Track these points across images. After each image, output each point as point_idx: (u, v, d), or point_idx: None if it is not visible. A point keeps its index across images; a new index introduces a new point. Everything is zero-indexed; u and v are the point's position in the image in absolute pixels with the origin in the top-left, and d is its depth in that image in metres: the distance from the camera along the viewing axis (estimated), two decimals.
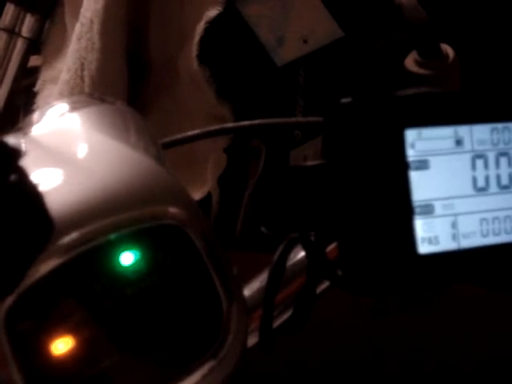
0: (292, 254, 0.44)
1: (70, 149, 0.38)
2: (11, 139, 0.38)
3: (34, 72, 0.86)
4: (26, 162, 0.33)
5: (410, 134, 0.39)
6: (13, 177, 0.32)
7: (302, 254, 0.45)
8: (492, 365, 0.78)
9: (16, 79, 0.85)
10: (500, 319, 0.76)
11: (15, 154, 0.34)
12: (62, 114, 0.41)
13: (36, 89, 0.83)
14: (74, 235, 0.34)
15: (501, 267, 0.40)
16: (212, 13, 0.66)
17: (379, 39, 0.66)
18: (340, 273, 0.39)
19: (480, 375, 0.78)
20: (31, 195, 0.33)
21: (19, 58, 0.85)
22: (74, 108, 0.41)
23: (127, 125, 0.42)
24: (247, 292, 0.44)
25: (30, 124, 0.40)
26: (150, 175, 0.37)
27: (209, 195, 0.70)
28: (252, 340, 0.43)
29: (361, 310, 0.73)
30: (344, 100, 0.38)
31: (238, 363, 0.38)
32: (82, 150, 0.38)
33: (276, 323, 0.44)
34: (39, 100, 0.82)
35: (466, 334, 0.78)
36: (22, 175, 0.33)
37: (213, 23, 0.66)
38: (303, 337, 0.45)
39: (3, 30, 0.85)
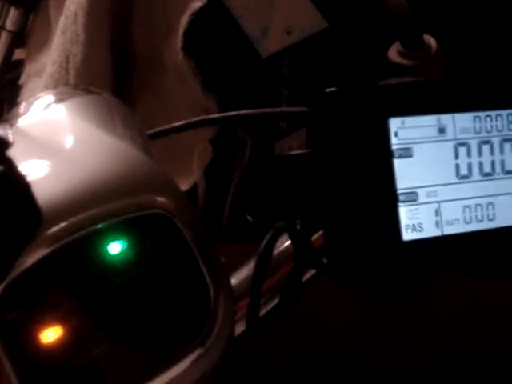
0: (278, 243, 0.44)
1: (56, 139, 0.38)
2: None
3: (19, 65, 0.86)
4: (13, 153, 0.33)
5: (394, 123, 0.39)
6: (1, 167, 0.32)
7: (288, 242, 0.46)
8: (480, 359, 0.79)
9: (0, 72, 0.85)
10: (490, 313, 0.77)
11: (2, 144, 0.34)
12: (48, 105, 0.41)
13: (20, 82, 0.83)
14: (61, 225, 0.34)
15: (484, 254, 0.41)
16: (196, 4, 0.66)
17: (363, 30, 0.66)
18: (326, 260, 0.39)
19: (468, 369, 0.79)
20: (19, 185, 0.33)
21: (3, 52, 0.85)
22: (59, 99, 0.41)
23: (113, 115, 0.42)
24: (234, 280, 0.45)
25: (17, 115, 0.40)
26: (137, 165, 0.37)
27: (195, 186, 0.70)
28: (239, 328, 0.43)
29: (347, 298, 0.74)
30: (328, 89, 0.38)
31: (226, 351, 0.38)
32: (68, 141, 0.38)
33: (263, 311, 0.44)
34: (24, 93, 0.82)
35: (455, 328, 0.78)
36: (10, 165, 0.33)
37: (197, 15, 0.66)
38: (290, 325, 0.45)
39: None
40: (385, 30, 0.60)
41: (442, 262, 0.40)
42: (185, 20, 0.66)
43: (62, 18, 0.72)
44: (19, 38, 0.86)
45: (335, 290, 0.68)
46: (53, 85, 0.71)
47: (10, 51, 0.85)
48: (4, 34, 0.85)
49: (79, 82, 0.70)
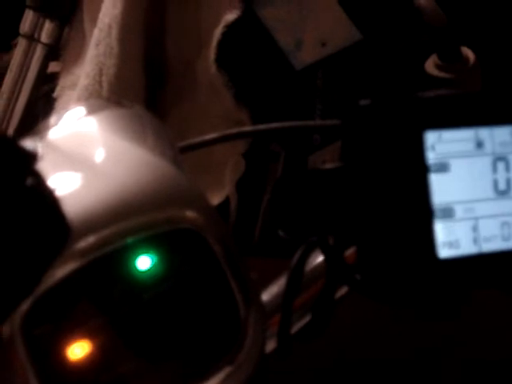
0: (310, 259, 0.44)
1: (86, 152, 0.38)
2: (28, 143, 0.38)
3: (53, 78, 0.86)
4: (42, 166, 0.33)
5: (430, 136, 0.38)
6: (29, 180, 0.32)
7: (321, 258, 0.45)
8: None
9: (35, 85, 0.85)
10: None
11: (32, 157, 0.33)
12: (79, 118, 0.41)
13: (55, 95, 0.84)
14: (90, 239, 0.34)
15: None
16: (230, 17, 0.66)
17: (399, 42, 0.65)
18: (359, 277, 0.39)
19: (497, 377, 0.78)
20: (48, 199, 0.33)
21: (38, 64, 0.85)
22: (90, 112, 0.41)
23: (144, 128, 0.42)
24: (265, 297, 0.44)
25: (47, 128, 0.40)
26: (167, 179, 0.37)
27: (227, 200, 0.70)
28: (270, 345, 0.42)
29: (381, 316, 0.73)
30: (363, 102, 0.38)
31: (256, 369, 0.37)
32: (98, 154, 0.38)
33: (294, 329, 0.44)
34: (58, 106, 0.82)
35: (485, 337, 0.77)
36: (39, 179, 0.33)
37: (230, 27, 0.66)
38: (322, 343, 0.44)
39: (23, 36, 0.86)
40: (422, 42, 0.59)
41: (479, 279, 0.39)
42: (218, 32, 0.66)
43: (96, 31, 0.72)
44: (54, 51, 0.86)
45: (368, 308, 0.67)
46: (86, 97, 0.71)
47: (44, 64, 0.86)
48: (39, 47, 0.85)
49: (112, 95, 0.70)
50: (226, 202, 0.70)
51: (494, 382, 0.78)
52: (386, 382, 0.78)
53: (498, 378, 0.78)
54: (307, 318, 0.44)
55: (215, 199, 0.68)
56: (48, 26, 0.85)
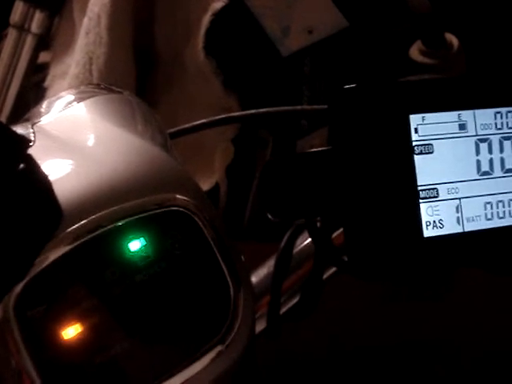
0: (298, 241, 0.44)
1: (77, 138, 0.38)
2: (20, 129, 0.38)
3: (44, 68, 0.86)
4: (34, 151, 0.33)
5: (414, 119, 0.39)
6: (21, 165, 0.32)
7: (309, 240, 0.46)
8: (502, 354, 0.78)
9: (26, 75, 0.85)
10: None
11: (24, 142, 0.34)
12: (70, 104, 0.41)
13: (46, 84, 0.84)
14: (82, 223, 0.34)
15: (505, 250, 0.41)
16: (217, 4, 0.66)
17: (384, 29, 0.66)
18: (346, 258, 0.39)
19: (490, 363, 0.78)
20: (40, 183, 0.33)
21: (29, 54, 0.85)
22: (81, 98, 0.41)
23: (134, 114, 0.42)
24: (255, 278, 0.45)
25: (38, 114, 0.41)
26: (157, 163, 0.37)
27: (217, 186, 0.70)
28: (260, 326, 0.43)
29: (369, 297, 0.73)
30: (348, 86, 0.38)
31: (246, 349, 0.38)
32: (89, 139, 0.38)
33: (283, 309, 0.44)
34: (49, 95, 0.82)
35: (478, 322, 0.77)
36: (31, 164, 0.33)
37: (218, 15, 0.66)
38: (310, 324, 0.45)
39: (13, 26, 0.86)
40: (406, 28, 0.59)
41: (462, 258, 0.40)
42: (206, 20, 0.66)
43: (86, 20, 0.72)
44: (44, 41, 0.86)
45: (356, 291, 0.68)
46: (76, 86, 0.72)
47: (35, 54, 0.85)
48: (29, 37, 0.85)
49: (103, 83, 0.70)
50: (215, 188, 0.70)
51: (485, 367, 0.79)
52: (376, 368, 0.79)
53: (487, 362, 0.79)
54: (296, 299, 0.44)
55: (205, 185, 0.69)
56: (38, 16, 0.84)
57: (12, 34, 0.86)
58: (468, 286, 0.71)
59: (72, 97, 0.42)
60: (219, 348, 0.37)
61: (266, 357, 0.46)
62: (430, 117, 0.39)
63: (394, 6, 0.61)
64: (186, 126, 0.49)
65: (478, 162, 0.40)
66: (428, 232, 0.39)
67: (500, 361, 0.78)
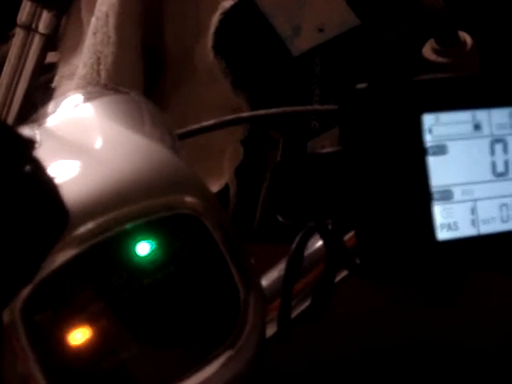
0: (310, 243, 0.44)
1: (84, 139, 0.38)
2: (26, 130, 0.38)
3: (52, 68, 0.86)
4: (40, 153, 0.33)
5: (428, 119, 0.38)
6: (28, 167, 0.32)
7: (320, 243, 0.45)
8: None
9: (33, 75, 0.85)
10: None
11: (30, 144, 0.34)
12: (77, 105, 0.41)
13: (53, 85, 0.84)
14: (89, 225, 0.34)
15: None
16: (227, 3, 0.66)
17: (396, 27, 0.65)
18: (358, 261, 0.39)
19: (502, 365, 0.78)
20: (46, 186, 0.33)
21: (36, 55, 0.85)
22: (88, 98, 0.41)
23: (142, 114, 0.42)
24: (265, 282, 0.44)
25: (45, 115, 0.40)
26: (166, 165, 0.37)
27: (226, 187, 0.70)
28: (270, 330, 0.42)
29: (380, 299, 0.73)
30: (360, 85, 0.38)
31: (257, 353, 0.37)
32: (96, 140, 0.38)
33: (294, 313, 0.44)
34: (57, 96, 0.82)
35: (487, 324, 0.77)
36: (37, 166, 0.33)
37: (228, 14, 0.66)
38: (321, 328, 0.44)
39: (20, 26, 0.86)
40: (419, 27, 0.59)
41: (477, 261, 0.39)
42: (215, 19, 0.66)
43: (93, 20, 0.72)
44: (52, 41, 0.86)
45: (368, 294, 0.67)
46: (84, 86, 0.71)
47: (42, 54, 0.86)
48: (37, 37, 0.85)
49: (110, 84, 0.70)
50: (225, 189, 0.70)
51: (492, 368, 0.78)
52: (387, 371, 0.79)
53: (495, 364, 0.78)
54: (307, 303, 0.44)
55: (214, 186, 0.68)
56: (45, 16, 0.84)
57: (19, 34, 0.86)
58: (480, 287, 0.71)
59: (79, 97, 0.41)
60: (229, 353, 0.36)
61: (277, 360, 0.46)
62: (444, 117, 0.39)
63: (406, 4, 0.61)
64: (195, 126, 0.48)
65: (493, 162, 0.39)
66: (442, 234, 0.38)
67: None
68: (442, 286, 0.71)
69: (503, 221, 0.39)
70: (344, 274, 0.45)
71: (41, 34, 0.85)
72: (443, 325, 0.77)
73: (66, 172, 0.35)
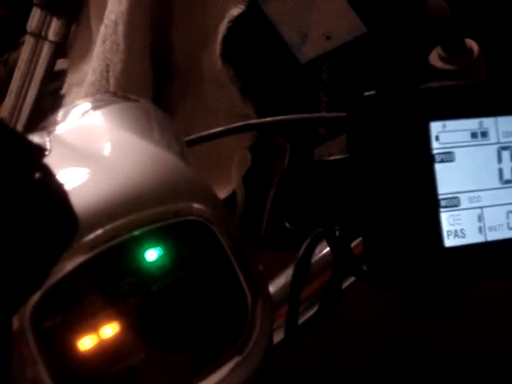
0: (317, 250, 0.44)
1: (93, 146, 0.38)
2: (36, 137, 0.38)
3: (61, 76, 0.86)
4: (50, 160, 0.33)
5: (435, 127, 0.38)
6: (37, 174, 0.32)
7: (327, 249, 0.45)
8: None
9: (43, 83, 0.85)
10: None
11: (40, 151, 0.34)
12: (86, 113, 0.41)
13: (63, 92, 0.84)
14: (98, 232, 0.34)
15: None
16: (235, 11, 0.66)
17: (403, 35, 0.65)
18: (365, 268, 0.39)
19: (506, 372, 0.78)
20: (56, 193, 0.33)
21: (46, 62, 0.85)
22: (97, 106, 0.41)
23: (150, 122, 0.42)
24: (272, 288, 0.44)
25: (54, 123, 0.41)
26: (174, 172, 0.37)
27: (234, 194, 0.70)
28: (278, 336, 0.43)
29: (386, 306, 0.73)
30: (368, 93, 0.38)
31: (264, 359, 0.37)
32: (105, 148, 0.38)
33: (302, 319, 0.44)
34: (66, 103, 0.82)
35: (493, 332, 0.77)
36: (47, 173, 0.33)
37: (236, 22, 0.66)
38: (328, 334, 0.44)
39: (30, 34, 0.86)
40: (425, 34, 0.59)
41: (485, 268, 0.39)
42: (223, 27, 0.66)
43: (102, 28, 0.72)
44: (61, 49, 0.86)
45: (375, 300, 0.67)
46: (93, 94, 0.72)
47: (52, 61, 0.86)
48: (46, 45, 0.85)
49: (119, 91, 0.70)
50: (232, 196, 0.70)
51: (498, 374, 0.78)
52: (393, 377, 0.78)
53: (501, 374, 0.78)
54: (314, 309, 0.44)
55: (222, 193, 0.68)
56: (55, 23, 0.84)
57: (29, 42, 0.86)
58: (487, 293, 0.71)
59: (88, 105, 0.42)
60: (237, 359, 0.36)
61: (283, 367, 0.46)
62: (451, 124, 0.39)
63: (413, 12, 0.61)
64: (203, 133, 0.49)
65: (501, 170, 0.40)
66: (449, 241, 0.38)
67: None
68: (447, 290, 0.71)
69: (510, 228, 0.39)
70: (351, 280, 0.45)
71: (50, 41, 0.85)
72: (450, 330, 0.77)
73: (75, 179, 0.35)
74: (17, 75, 0.86)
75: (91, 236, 0.34)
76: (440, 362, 0.78)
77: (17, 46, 0.91)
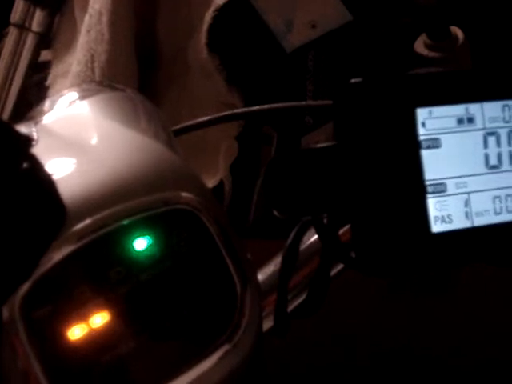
0: (305, 238, 0.44)
1: (81, 136, 0.38)
2: (23, 128, 0.38)
3: (45, 67, 0.86)
4: (37, 150, 0.33)
5: (421, 113, 0.39)
6: (25, 164, 0.32)
7: (315, 237, 0.45)
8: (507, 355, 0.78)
9: (27, 74, 0.85)
10: None
11: (27, 141, 0.34)
12: (73, 102, 0.41)
13: (47, 83, 0.84)
14: (87, 222, 0.34)
15: None
16: (220, 0, 0.66)
17: (388, 22, 0.65)
18: (354, 254, 0.39)
19: (494, 365, 0.78)
20: (44, 183, 0.33)
21: (30, 53, 0.85)
22: (84, 96, 0.41)
23: (137, 111, 0.42)
24: (261, 276, 0.44)
25: (41, 113, 0.40)
26: (162, 161, 0.37)
27: (221, 183, 0.70)
28: (267, 324, 0.43)
29: (372, 294, 0.73)
30: (353, 80, 0.38)
31: (254, 347, 0.38)
32: (92, 137, 0.38)
33: (291, 307, 0.44)
34: (51, 94, 0.82)
35: (480, 317, 0.77)
36: (34, 163, 0.33)
37: (221, 11, 0.66)
38: (317, 321, 0.45)
39: (13, 25, 0.85)
40: (410, 22, 0.59)
41: (471, 254, 0.40)
42: (209, 16, 0.66)
43: (87, 17, 0.72)
44: (45, 40, 0.86)
45: (363, 286, 0.67)
46: (79, 84, 0.71)
47: (36, 53, 0.85)
48: (30, 36, 0.85)
49: (105, 81, 0.70)
50: (220, 186, 0.70)
51: (488, 362, 0.79)
52: (382, 365, 0.79)
53: (492, 358, 0.78)
54: (303, 296, 0.44)
55: (209, 182, 0.68)
56: (39, 14, 0.84)
57: (13, 33, 0.85)
58: (473, 279, 0.71)
59: (75, 95, 0.41)
60: (226, 347, 0.36)
61: (272, 355, 0.46)
62: (437, 110, 0.39)
63: None
64: (190, 123, 0.49)
65: (487, 155, 0.40)
66: (436, 227, 0.39)
67: (505, 356, 0.78)
68: (433, 276, 0.71)
69: (496, 213, 0.40)
70: (339, 267, 0.45)
71: (34, 32, 0.84)
72: (438, 316, 0.77)
73: (62, 169, 0.35)
74: (0, 66, 0.85)
75: (80, 226, 0.34)
76: (426, 348, 0.78)
77: (0, 37, 0.90)
